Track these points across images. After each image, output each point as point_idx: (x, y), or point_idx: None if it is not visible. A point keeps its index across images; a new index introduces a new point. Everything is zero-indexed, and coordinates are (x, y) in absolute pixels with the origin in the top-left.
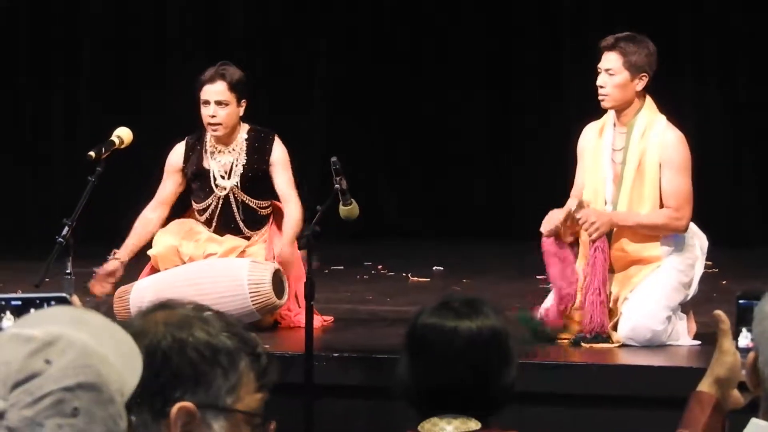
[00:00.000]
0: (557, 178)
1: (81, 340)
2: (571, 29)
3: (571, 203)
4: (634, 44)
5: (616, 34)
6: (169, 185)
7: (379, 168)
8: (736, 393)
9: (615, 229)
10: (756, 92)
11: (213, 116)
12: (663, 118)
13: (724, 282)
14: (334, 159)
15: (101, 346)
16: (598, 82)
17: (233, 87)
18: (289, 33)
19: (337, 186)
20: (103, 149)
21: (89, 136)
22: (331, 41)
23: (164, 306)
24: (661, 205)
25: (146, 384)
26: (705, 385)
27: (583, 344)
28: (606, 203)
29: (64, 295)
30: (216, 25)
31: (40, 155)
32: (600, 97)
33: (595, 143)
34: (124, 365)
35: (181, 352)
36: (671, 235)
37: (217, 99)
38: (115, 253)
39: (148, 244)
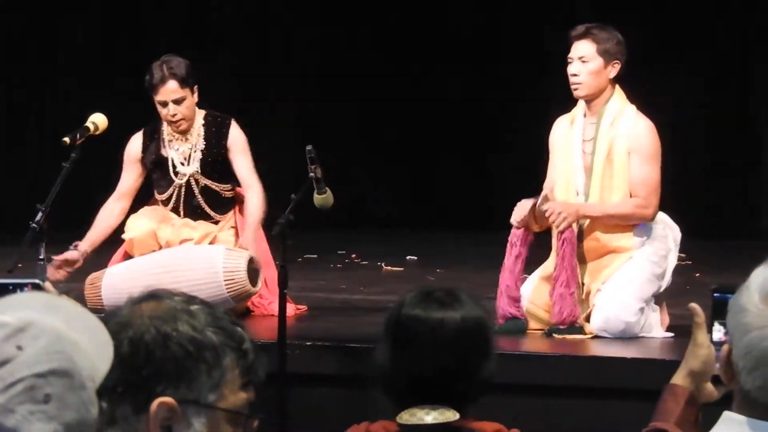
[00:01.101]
0: (534, 169)
1: (53, 326)
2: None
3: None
4: (606, 32)
5: (585, 24)
6: (130, 176)
7: (355, 157)
8: (709, 386)
9: (587, 220)
10: (733, 86)
11: (174, 115)
12: (632, 107)
13: (697, 275)
14: (309, 147)
15: (73, 332)
16: (572, 71)
17: (185, 81)
18: (266, 20)
19: (311, 174)
20: (78, 135)
21: (65, 122)
22: (308, 29)
23: (153, 296)
24: (631, 194)
25: (128, 377)
26: (679, 378)
27: (556, 335)
28: (578, 194)
29: (37, 281)
30: (194, 13)
31: (15, 140)
32: (573, 86)
33: (566, 134)
34: (95, 351)
35: (164, 346)
36: (643, 226)
37: (174, 98)
38: (76, 245)
39: (116, 233)
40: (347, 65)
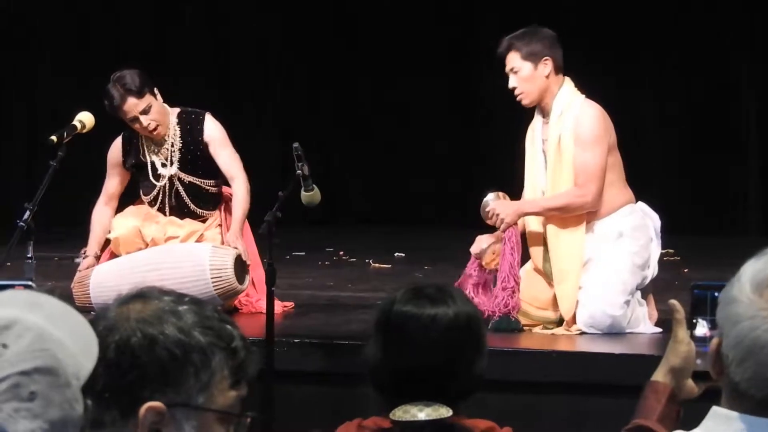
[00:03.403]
0: (520, 166)
1: (37, 324)
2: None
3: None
4: (526, 36)
5: (509, 36)
6: (114, 180)
7: (342, 154)
8: (690, 383)
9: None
10: (720, 81)
11: (148, 125)
12: (581, 97)
13: (685, 270)
14: (296, 145)
15: (57, 330)
16: (510, 86)
17: (141, 92)
18: (245, 20)
19: (298, 172)
20: (65, 134)
21: (51, 120)
22: (287, 29)
23: (140, 296)
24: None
25: (115, 382)
26: (660, 375)
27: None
28: (543, 193)
29: (29, 282)
30: (168, 14)
31: (1, 138)
32: (518, 98)
33: (530, 140)
34: (80, 349)
35: (150, 351)
36: (619, 217)
37: (141, 110)
38: (84, 252)
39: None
40: (334, 64)
